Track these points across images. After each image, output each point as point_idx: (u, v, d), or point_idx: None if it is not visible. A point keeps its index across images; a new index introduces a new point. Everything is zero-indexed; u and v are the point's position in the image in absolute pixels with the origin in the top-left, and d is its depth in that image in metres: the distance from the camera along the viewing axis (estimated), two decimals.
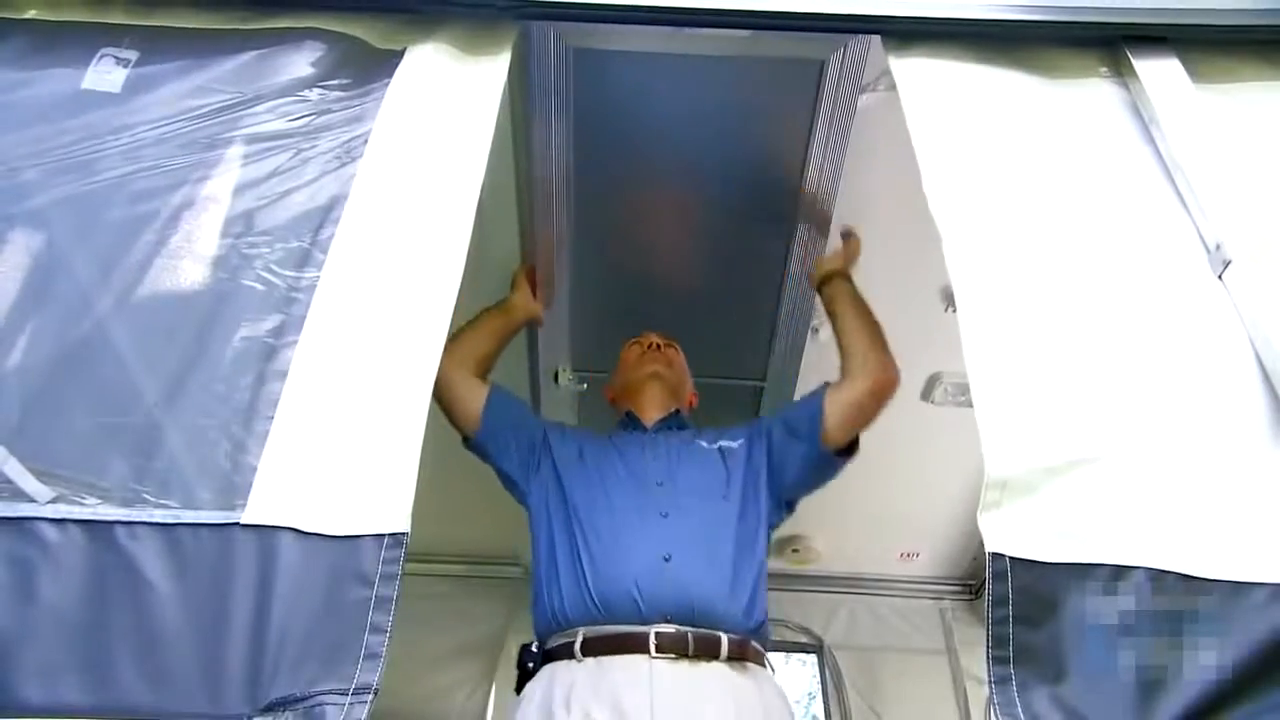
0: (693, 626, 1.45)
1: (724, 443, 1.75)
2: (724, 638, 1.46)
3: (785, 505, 1.76)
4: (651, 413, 1.89)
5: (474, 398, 1.75)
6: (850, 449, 1.73)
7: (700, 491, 1.64)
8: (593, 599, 1.48)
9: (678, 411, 1.92)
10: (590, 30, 1.64)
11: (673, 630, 1.44)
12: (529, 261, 2.05)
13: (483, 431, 1.74)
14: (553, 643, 1.51)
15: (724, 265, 2.12)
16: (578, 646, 1.45)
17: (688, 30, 1.59)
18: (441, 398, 1.71)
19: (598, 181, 1.89)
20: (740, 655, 1.47)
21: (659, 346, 1.98)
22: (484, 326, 1.88)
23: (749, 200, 1.94)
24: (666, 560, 1.50)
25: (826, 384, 1.75)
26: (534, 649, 1.53)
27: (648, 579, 1.48)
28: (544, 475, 1.71)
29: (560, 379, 2.17)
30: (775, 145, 1.83)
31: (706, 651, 1.44)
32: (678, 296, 2.20)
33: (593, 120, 1.78)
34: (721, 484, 1.66)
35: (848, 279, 1.87)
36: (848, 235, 1.97)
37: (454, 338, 1.67)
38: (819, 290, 1.91)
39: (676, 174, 1.90)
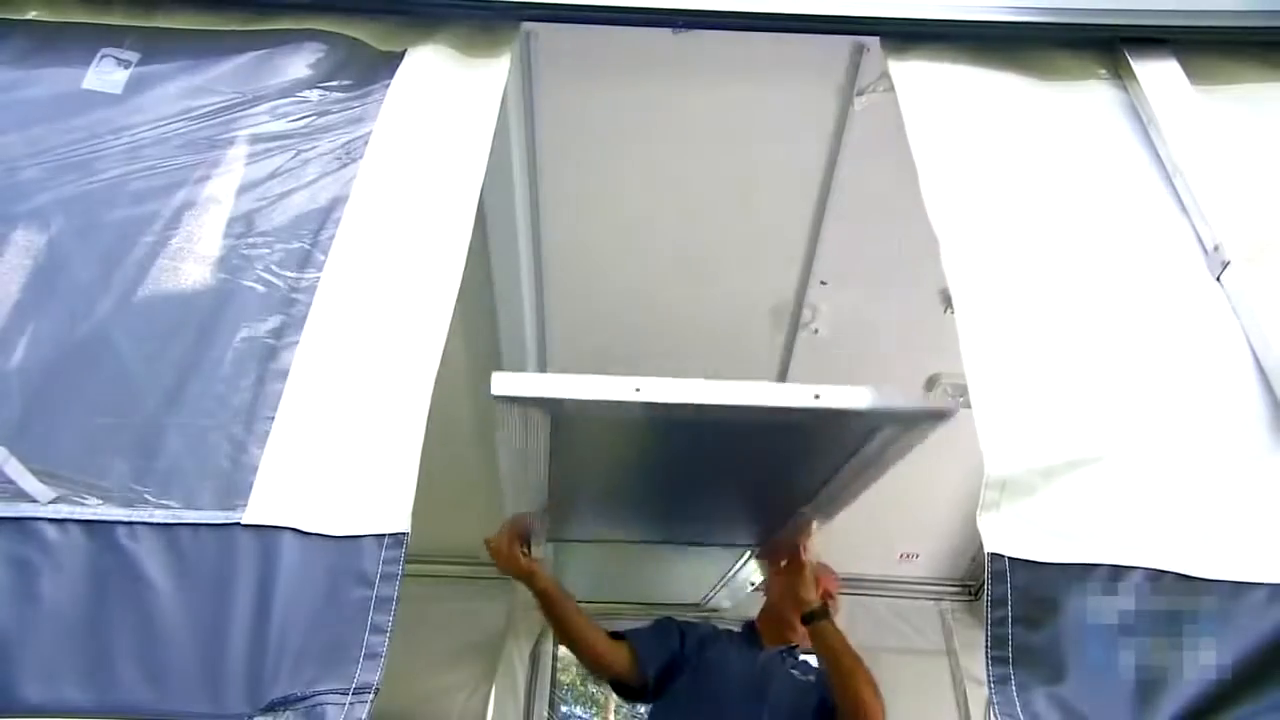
0: None
1: (810, 677, 2.12)
2: None
3: None
4: (772, 641, 2.24)
5: (623, 659, 2.08)
6: None
7: (788, 712, 2.03)
8: None
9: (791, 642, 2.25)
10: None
11: None
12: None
13: (653, 679, 2.08)
14: None
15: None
16: None
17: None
18: (607, 678, 2.14)
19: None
20: None
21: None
22: (578, 622, 2.09)
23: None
24: None
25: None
26: None
27: None
28: (675, 682, 2.09)
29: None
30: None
31: None
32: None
33: None
34: (810, 711, 2.04)
35: (827, 617, 2.10)
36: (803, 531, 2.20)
37: (573, 640, 2.09)
38: (804, 623, 2.14)
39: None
